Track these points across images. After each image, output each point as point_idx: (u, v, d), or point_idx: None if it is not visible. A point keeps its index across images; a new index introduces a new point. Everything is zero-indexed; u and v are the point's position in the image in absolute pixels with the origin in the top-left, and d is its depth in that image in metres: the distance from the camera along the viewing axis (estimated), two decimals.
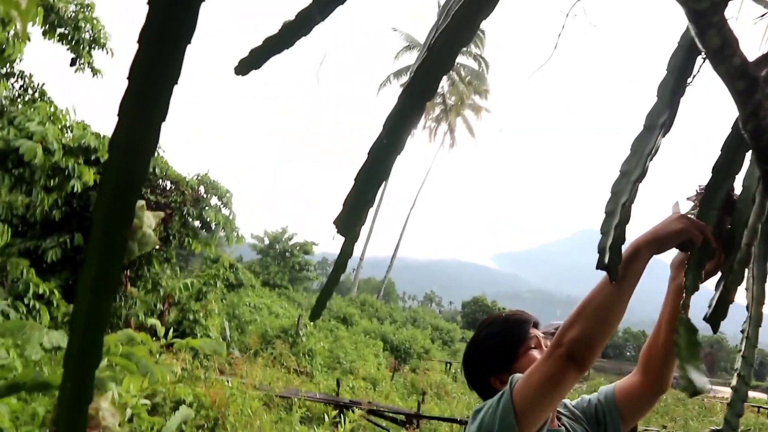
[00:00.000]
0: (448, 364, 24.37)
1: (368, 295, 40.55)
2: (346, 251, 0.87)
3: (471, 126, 42.37)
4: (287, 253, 33.20)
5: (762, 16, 1.15)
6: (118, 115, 0.61)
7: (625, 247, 1.20)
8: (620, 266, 1.19)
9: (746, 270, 1.03)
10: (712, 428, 1.20)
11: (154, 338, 7.69)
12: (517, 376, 1.41)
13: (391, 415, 10.18)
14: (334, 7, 0.84)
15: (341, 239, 1.01)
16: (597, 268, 1.07)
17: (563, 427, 1.62)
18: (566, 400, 1.73)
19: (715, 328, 1.03)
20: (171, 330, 8.95)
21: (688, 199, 1.31)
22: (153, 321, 8.17)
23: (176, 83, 0.69)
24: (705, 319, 1.05)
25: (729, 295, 1.02)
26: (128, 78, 0.62)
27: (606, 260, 1.04)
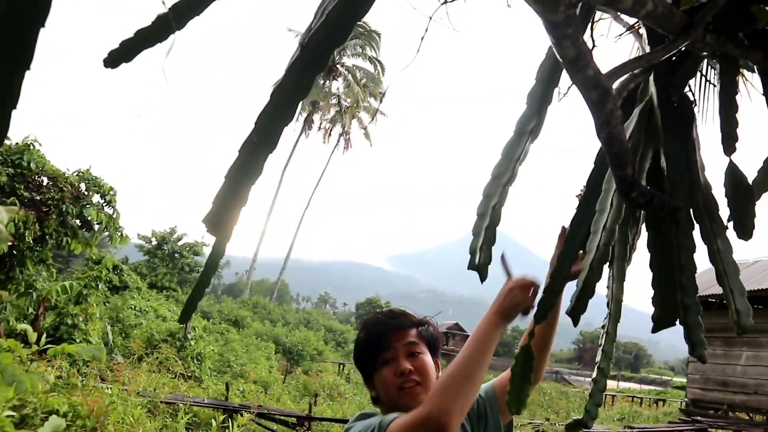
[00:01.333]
0: (341, 366, 24.42)
1: (261, 297, 39.83)
2: (217, 251, 0.85)
3: (366, 128, 42.71)
4: (176, 254, 31.96)
5: (622, 34, 1.25)
6: None
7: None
8: (477, 338, 1.38)
9: (605, 269, 1.11)
10: (574, 417, 1.28)
11: (24, 345, 7.16)
12: (390, 417, 1.45)
13: (281, 417, 10.04)
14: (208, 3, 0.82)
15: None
16: (468, 268, 1.11)
17: None
18: None
19: (576, 321, 1.10)
20: (45, 335, 8.37)
21: (576, 196, 1.43)
22: (24, 326, 7.57)
23: (29, 68, 0.65)
24: (567, 312, 1.12)
25: (588, 291, 1.09)
26: None
27: (477, 261, 1.08)
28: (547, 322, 1.54)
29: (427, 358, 1.65)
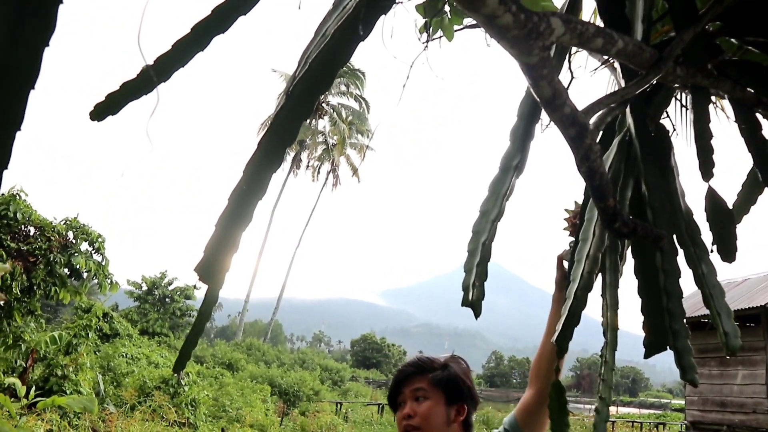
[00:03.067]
0: (339, 405, 24.08)
1: (254, 338, 39.42)
2: (210, 299, 0.86)
3: (354, 165, 42.91)
4: (167, 299, 31.66)
5: (596, 69, 1.29)
6: None
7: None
8: None
9: (590, 295, 1.12)
10: None
11: (13, 399, 7.02)
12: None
13: None
14: (192, 55, 0.85)
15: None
16: (462, 305, 1.12)
17: None
18: None
19: (562, 349, 1.11)
20: (34, 388, 8.22)
21: (565, 219, 1.47)
22: (12, 380, 7.43)
23: (19, 129, 0.67)
24: (554, 341, 1.13)
25: (572, 319, 1.10)
26: None
27: (470, 297, 1.09)
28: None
29: (431, 403, 1.70)
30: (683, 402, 22.34)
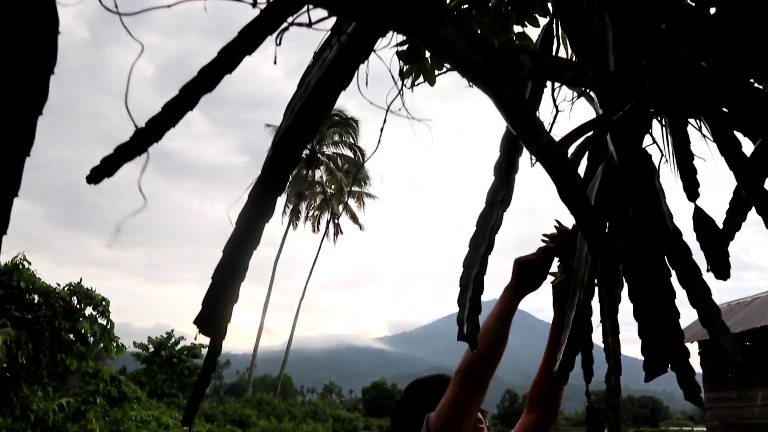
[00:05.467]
0: None
1: (264, 393, 38.89)
2: (213, 351, 0.87)
3: (354, 213, 43.00)
4: (175, 359, 31.34)
5: (574, 99, 1.33)
6: None
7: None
8: (498, 310, 1.50)
9: (588, 323, 1.13)
10: None
11: None
12: (431, 414, 1.60)
13: None
14: (178, 116, 0.88)
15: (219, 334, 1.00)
16: (458, 339, 1.13)
17: None
18: None
19: (564, 378, 1.11)
20: None
21: (543, 235, 1.50)
22: None
23: (28, 155, 0.69)
24: (555, 370, 1.13)
25: (572, 347, 1.11)
26: None
27: (465, 331, 1.10)
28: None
29: None
30: (705, 429, 21.82)
